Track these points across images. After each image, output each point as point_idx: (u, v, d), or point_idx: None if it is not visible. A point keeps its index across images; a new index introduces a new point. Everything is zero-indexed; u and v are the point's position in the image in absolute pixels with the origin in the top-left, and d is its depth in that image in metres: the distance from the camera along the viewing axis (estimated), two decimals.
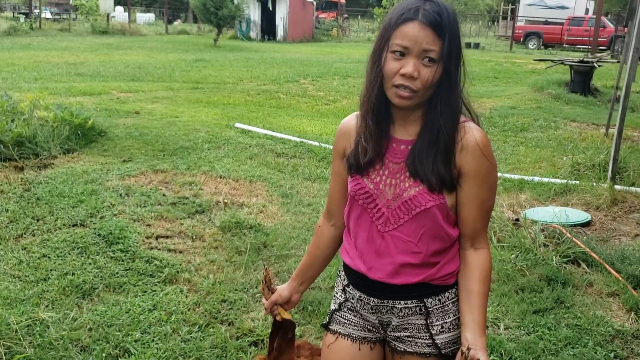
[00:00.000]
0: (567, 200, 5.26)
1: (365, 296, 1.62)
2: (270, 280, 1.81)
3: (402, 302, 1.58)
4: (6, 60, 13.51)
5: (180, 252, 3.88)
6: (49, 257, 3.63)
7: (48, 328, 2.89)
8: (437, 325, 1.59)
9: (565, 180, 5.63)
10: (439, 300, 1.58)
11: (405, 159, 1.52)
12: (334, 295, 1.76)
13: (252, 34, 28.57)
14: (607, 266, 3.83)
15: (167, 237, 4.09)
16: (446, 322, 1.59)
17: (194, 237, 4.12)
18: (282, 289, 1.81)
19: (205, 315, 3.14)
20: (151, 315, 3.09)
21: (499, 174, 5.80)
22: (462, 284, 1.56)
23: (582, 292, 3.58)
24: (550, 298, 3.44)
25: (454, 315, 1.59)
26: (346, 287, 1.69)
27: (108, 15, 28.09)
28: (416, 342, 1.60)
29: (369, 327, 1.67)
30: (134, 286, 3.38)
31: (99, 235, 3.95)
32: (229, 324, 3.09)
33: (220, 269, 3.68)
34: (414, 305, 1.57)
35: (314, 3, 32.80)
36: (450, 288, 1.59)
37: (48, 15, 31.86)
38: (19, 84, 10.03)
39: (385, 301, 1.59)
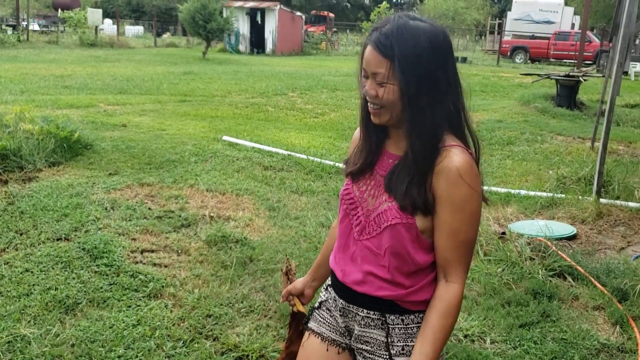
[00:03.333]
0: (553, 213, 5.29)
1: (337, 297, 1.67)
2: (290, 270, 1.91)
3: (365, 311, 1.59)
4: None
5: (166, 266, 3.85)
6: (31, 272, 3.59)
7: (29, 344, 2.85)
8: (398, 346, 1.57)
9: (551, 194, 5.67)
10: (402, 320, 1.56)
11: (386, 173, 1.54)
12: (319, 294, 1.82)
13: (241, 47, 28.68)
14: (593, 279, 3.85)
15: (153, 251, 4.06)
16: (408, 346, 1.56)
17: (179, 251, 4.08)
18: (298, 282, 1.89)
19: (190, 331, 3.11)
20: (135, 331, 3.05)
21: (485, 187, 5.86)
22: (425, 314, 1.53)
23: (568, 306, 3.59)
24: (536, 312, 3.45)
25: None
26: (328, 287, 1.75)
27: (96, 28, 28.10)
28: None
29: (340, 330, 1.70)
30: (118, 301, 3.34)
31: (84, 249, 3.91)
32: (214, 339, 3.06)
33: (206, 283, 3.65)
34: (375, 317, 1.58)
35: (303, 17, 33.00)
36: (418, 313, 1.56)
37: (36, 27, 31.75)
38: (5, 97, 9.95)
39: (351, 306, 1.62)
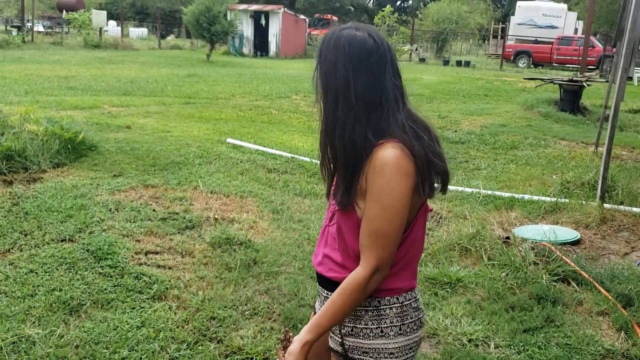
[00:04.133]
0: (557, 218, 5.28)
1: None
2: (289, 340, 1.71)
3: (325, 292, 1.70)
4: None
5: (170, 268, 3.85)
6: (36, 273, 3.59)
7: (34, 345, 2.85)
8: (348, 326, 1.65)
9: (555, 199, 5.66)
10: None
11: None
12: None
13: (245, 50, 28.71)
14: (597, 285, 3.84)
15: (157, 253, 4.06)
16: (357, 327, 1.63)
17: (183, 253, 4.09)
18: None
19: (194, 333, 3.11)
20: (139, 333, 3.05)
21: (488, 192, 5.87)
22: None
23: (572, 311, 3.58)
24: (540, 317, 3.44)
25: (365, 324, 1.62)
26: None
27: (101, 29, 28.15)
28: (333, 338, 1.70)
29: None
30: (122, 302, 3.35)
31: (88, 250, 3.91)
32: (218, 342, 3.06)
33: (210, 285, 3.65)
34: None
35: (307, 20, 33.05)
36: (367, 298, 1.60)
37: (40, 28, 31.82)
38: (9, 98, 9.97)
39: (320, 287, 1.74)
